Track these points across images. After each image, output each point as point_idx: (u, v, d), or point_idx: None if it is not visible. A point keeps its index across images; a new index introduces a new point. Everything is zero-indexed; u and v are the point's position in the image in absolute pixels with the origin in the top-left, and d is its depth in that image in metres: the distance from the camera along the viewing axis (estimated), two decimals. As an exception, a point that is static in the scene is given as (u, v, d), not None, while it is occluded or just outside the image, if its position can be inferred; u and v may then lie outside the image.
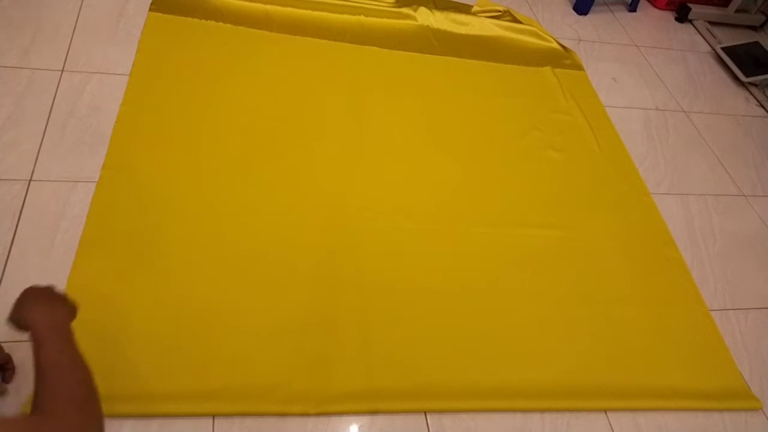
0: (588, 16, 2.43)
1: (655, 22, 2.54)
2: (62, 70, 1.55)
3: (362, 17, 1.98)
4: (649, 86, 2.16)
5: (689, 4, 2.53)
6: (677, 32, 2.51)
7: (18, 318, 0.82)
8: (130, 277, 1.18)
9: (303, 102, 1.65)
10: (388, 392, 1.13)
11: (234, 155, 1.46)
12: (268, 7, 1.90)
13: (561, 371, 1.24)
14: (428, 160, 1.60)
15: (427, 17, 2.05)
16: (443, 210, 1.49)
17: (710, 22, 2.57)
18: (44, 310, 0.81)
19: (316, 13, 1.94)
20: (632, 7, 2.55)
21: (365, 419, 1.10)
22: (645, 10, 2.60)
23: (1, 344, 0.98)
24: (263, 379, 1.10)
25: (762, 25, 2.65)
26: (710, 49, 2.44)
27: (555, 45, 2.13)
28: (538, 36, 2.13)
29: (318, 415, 1.08)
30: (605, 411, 1.21)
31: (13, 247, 1.18)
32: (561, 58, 2.09)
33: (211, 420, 1.04)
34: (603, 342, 1.32)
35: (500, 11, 2.19)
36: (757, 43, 2.37)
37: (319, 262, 1.30)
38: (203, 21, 1.79)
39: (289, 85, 1.68)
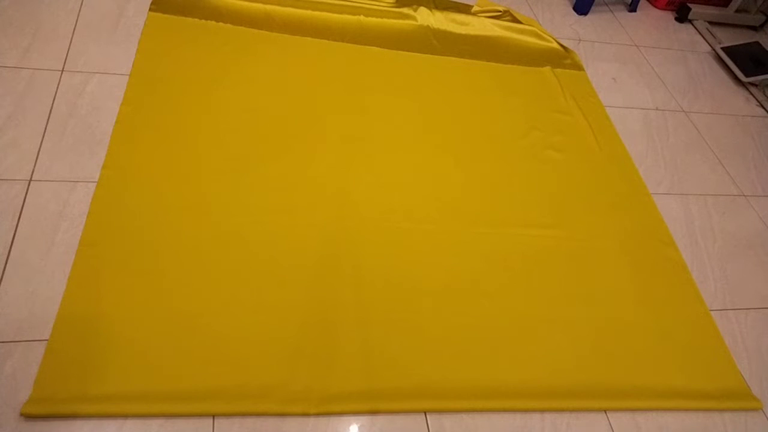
0: (588, 16, 2.43)
1: (655, 22, 2.54)
2: (62, 70, 1.55)
3: (362, 17, 1.98)
4: (649, 86, 2.16)
5: (689, 4, 2.53)
6: (677, 32, 2.51)
7: None
8: (129, 277, 1.18)
9: (303, 102, 1.65)
10: (388, 392, 1.13)
11: (233, 155, 1.46)
12: (268, 7, 1.90)
13: (561, 371, 1.24)
14: (428, 160, 1.60)
15: (427, 17, 2.05)
16: (443, 210, 1.49)
17: (710, 22, 2.57)
18: None
19: (316, 13, 1.94)
20: (632, 7, 2.55)
21: (365, 419, 1.10)
22: (645, 10, 2.60)
23: None
24: (263, 379, 1.10)
25: (762, 25, 2.65)
26: (710, 49, 2.44)
27: (555, 45, 2.13)
28: (538, 36, 2.13)
29: (318, 415, 1.08)
30: (605, 411, 1.21)
31: (13, 247, 1.18)
32: (561, 58, 2.09)
33: (211, 420, 1.04)
34: (603, 342, 1.32)
35: (500, 11, 2.19)
36: (757, 43, 2.37)
37: (318, 261, 1.30)
38: (203, 21, 1.79)
39: (289, 85, 1.68)
